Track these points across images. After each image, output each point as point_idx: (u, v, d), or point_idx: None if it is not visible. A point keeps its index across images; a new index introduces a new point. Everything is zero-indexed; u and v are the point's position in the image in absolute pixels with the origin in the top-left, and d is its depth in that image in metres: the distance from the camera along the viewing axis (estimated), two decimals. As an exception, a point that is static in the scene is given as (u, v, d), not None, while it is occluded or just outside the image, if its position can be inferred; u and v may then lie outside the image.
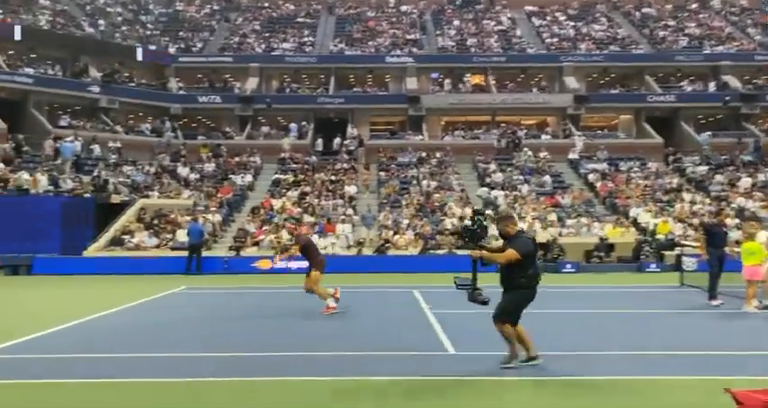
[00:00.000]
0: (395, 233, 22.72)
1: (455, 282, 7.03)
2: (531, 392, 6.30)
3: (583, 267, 20.62)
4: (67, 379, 6.60)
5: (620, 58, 37.74)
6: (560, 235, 22.48)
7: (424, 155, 31.53)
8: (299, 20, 42.66)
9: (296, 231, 13.00)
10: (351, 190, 27.04)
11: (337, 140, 32.86)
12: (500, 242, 7.28)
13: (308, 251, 11.42)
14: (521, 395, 6.18)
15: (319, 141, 33.03)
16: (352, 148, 32.06)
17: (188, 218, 22.52)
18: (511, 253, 6.82)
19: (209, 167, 29.64)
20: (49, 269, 19.51)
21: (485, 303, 6.93)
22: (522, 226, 22.80)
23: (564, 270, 20.21)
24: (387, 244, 21.69)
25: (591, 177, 28.93)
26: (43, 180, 23.67)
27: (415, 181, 28.48)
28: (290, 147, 31.57)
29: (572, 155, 31.45)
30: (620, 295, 14.58)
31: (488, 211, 24.44)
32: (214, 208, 24.47)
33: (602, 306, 12.67)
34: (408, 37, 40.16)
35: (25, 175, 23.49)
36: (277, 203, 25.31)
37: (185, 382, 6.50)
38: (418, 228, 22.93)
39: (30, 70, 31.55)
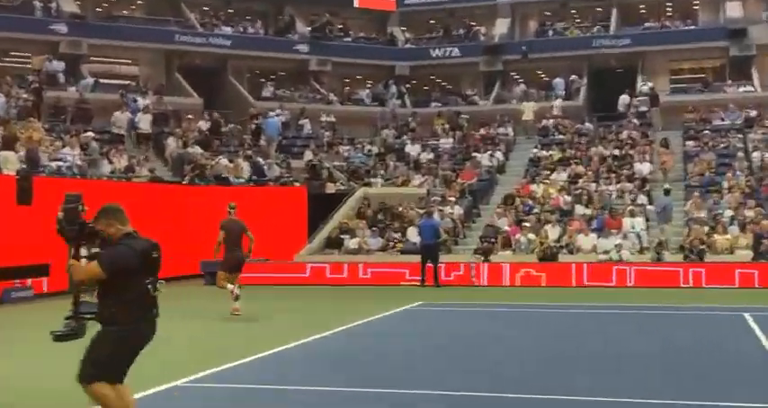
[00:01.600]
0: (711, 229, 21.31)
1: None
2: None
3: None
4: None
5: None
6: None
7: (753, 113, 29.20)
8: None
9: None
10: (643, 168, 25.88)
11: (622, 98, 31.67)
12: None
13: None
14: None
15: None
16: (643, 109, 30.71)
17: (420, 212, 23.06)
18: (90, 268, 5.85)
19: (446, 143, 30.11)
20: (254, 277, 21.09)
21: (57, 339, 5.89)
22: None
23: None
24: (701, 247, 20.46)
25: None
26: (245, 166, 25.86)
27: (740, 153, 26.52)
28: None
29: None
30: None
31: None
32: (453, 198, 24.85)
33: None
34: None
35: (224, 161, 25.84)
36: (538, 189, 25.03)
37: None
38: (748, 222, 21.28)
39: (228, 29, 34.70)
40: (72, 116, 27.10)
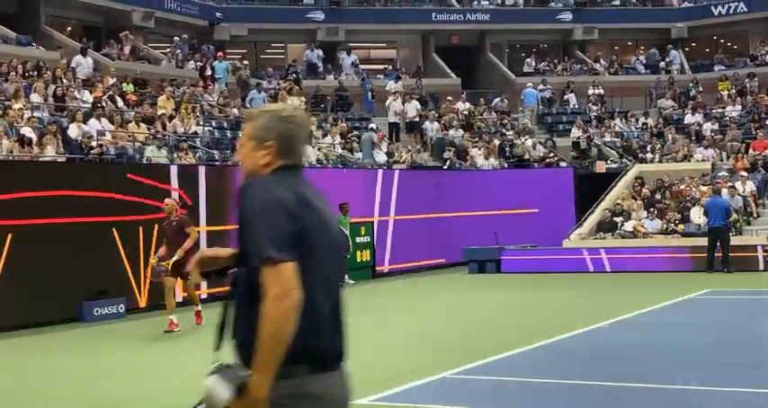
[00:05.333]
0: None
1: None
2: None
3: None
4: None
5: None
6: None
7: None
8: None
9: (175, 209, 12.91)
10: None
11: None
12: None
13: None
14: None
15: None
16: None
17: (705, 189, 22.39)
18: None
19: (733, 111, 29.05)
20: (519, 264, 21.48)
21: None
22: None
23: None
24: None
25: None
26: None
27: None
28: None
29: None
30: None
31: None
32: (743, 173, 23.82)
33: None
34: None
35: (529, 142, 26.65)
36: None
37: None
38: None
39: (485, 2, 35.10)
40: (332, 104, 28.79)
